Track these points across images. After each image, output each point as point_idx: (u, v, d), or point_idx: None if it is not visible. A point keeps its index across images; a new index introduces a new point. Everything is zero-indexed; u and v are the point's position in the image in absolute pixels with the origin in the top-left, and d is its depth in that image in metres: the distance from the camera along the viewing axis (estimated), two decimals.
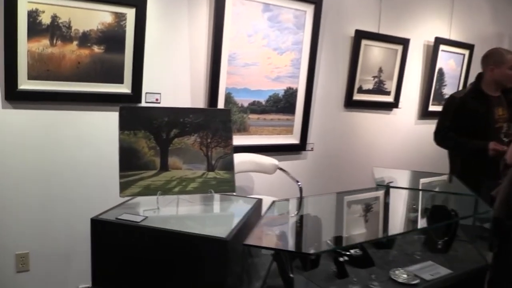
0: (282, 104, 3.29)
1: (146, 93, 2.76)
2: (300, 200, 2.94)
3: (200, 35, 2.89)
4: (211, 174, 1.94)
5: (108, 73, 2.60)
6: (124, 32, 2.60)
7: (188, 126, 1.94)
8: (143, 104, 2.75)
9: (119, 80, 2.65)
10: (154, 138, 1.89)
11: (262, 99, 3.19)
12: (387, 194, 2.46)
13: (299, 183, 2.96)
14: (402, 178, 3.01)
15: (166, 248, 1.63)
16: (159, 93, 2.81)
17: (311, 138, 3.56)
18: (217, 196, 2.01)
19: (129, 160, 1.84)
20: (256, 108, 3.18)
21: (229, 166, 1.98)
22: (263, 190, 3.31)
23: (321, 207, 2.27)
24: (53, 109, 2.52)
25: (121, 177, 1.82)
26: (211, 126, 1.98)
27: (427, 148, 4.43)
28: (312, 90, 3.43)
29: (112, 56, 2.59)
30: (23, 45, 2.36)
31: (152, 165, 1.87)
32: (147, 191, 1.84)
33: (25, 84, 2.41)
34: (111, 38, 2.57)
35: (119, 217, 1.71)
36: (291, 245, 1.70)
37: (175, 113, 1.94)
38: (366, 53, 3.73)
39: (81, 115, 2.60)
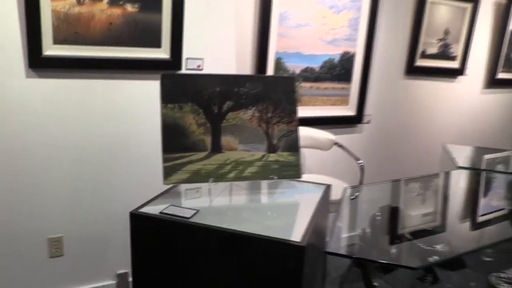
0: (338, 70, 2.86)
1: (187, 58, 2.39)
2: (361, 180, 2.56)
3: None
4: (272, 156, 1.57)
5: (144, 36, 2.23)
6: None
7: (245, 97, 1.56)
8: (183, 71, 2.38)
9: (156, 43, 2.28)
10: (204, 112, 1.52)
11: (316, 65, 2.77)
12: (474, 179, 2.04)
13: (360, 162, 2.56)
14: (479, 156, 2.57)
15: (224, 252, 1.29)
16: (202, 59, 2.42)
17: (368, 109, 3.13)
18: (279, 183, 1.64)
19: (174, 140, 1.49)
20: (309, 75, 2.76)
21: (294, 147, 1.60)
22: (316, 167, 2.93)
23: (399, 195, 1.88)
24: (83, 78, 2.18)
25: (165, 160, 1.47)
26: (272, 97, 1.59)
27: (493, 121, 3.94)
28: (371, 55, 2.97)
29: (147, 16, 2.21)
30: (47, 3, 2.01)
31: (202, 146, 1.51)
32: (197, 177, 1.49)
33: (50, 49, 2.07)
34: None
35: (164, 211, 1.37)
36: (387, 255, 1.33)
37: (229, 82, 1.56)
38: (431, 12, 3.21)
39: (115, 85, 2.25)
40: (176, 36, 2.29)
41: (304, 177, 2.61)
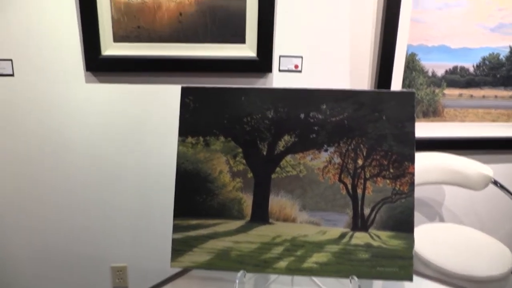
0: (505, 71, 1.89)
1: (280, 56, 1.75)
2: None
3: None
4: (360, 237, 0.86)
5: (222, 28, 1.67)
6: None
7: (318, 129, 0.88)
8: (274, 74, 1.76)
9: (239, 38, 1.69)
10: (244, 152, 0.89)
11: (470, 64, 1.86)
12: None
13: None
14: None
15: None
16: (301, 57, 1.77)
17: None
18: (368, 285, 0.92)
19: (192, 197, 0.89)
20: (458, 78, 1.87)
21: (404, 223, 0.86)
22: (456, 212, 2.03)
23: None
24: (149, 82, 1.71)
25: (175, 229, 0.89)
26: (369, 130, 0.87)
27: None
28: None
29: (227, 2, 1.64)
30: None
31: (237, 210, 0.88)
32: (223, 262, 0.86)
33: (110, 48, 1.66)
34: None
35: None
36: None
37: (291, 101, 0.89)
38: None
39: None
40: (265, 27, 1.66)
41: (435, 226, 1.78)
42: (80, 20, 1.60)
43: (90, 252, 1.88)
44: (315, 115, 0.87)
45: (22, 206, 1.80)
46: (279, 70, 1.77)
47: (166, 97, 1.73)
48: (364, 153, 0.86)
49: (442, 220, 2.01)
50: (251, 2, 1.64)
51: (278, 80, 1.76)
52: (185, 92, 0.90)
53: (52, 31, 1.61)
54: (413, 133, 0.86)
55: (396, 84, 1.78)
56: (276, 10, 1.67)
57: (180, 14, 1.64)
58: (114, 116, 1.73)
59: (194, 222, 0.87)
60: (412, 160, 0.85)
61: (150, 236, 1.89)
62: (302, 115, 0.87)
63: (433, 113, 1.89)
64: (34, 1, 1.58)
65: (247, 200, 0.87)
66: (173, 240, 0.88)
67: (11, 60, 1.65)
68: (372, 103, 0.87)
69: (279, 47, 1.73)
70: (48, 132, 1.72)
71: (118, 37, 1.64)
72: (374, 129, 0.86)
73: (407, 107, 0.86)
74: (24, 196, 1.79)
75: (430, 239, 1.62)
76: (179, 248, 0.87)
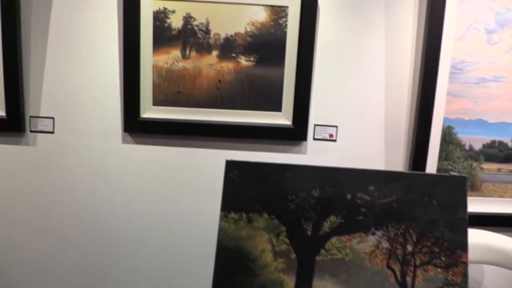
0: None
1: (315, 125, 1.77)
2: None
3: (403, 34, 1.74)
4: None
5: (260, 97, 1.71)
6: (284, 34, 1.67)
7: (365, 211, 0.86)
8: (309, 142, 1.76)
9: (275, 106, 1.72)
10: (288, 231, 0.87)
11: (508, 138, 1.83)
12: None
13: None
14: None
15: None
16: (335, 126, 1.78)
17: None
18: None
19: (230, 276, 0.86)
20: (496, 153, 1.83)
21: None
22: None
23: None
24: (186, 146, 1.74)
25: None
26: (419, 215, 0.84)
27: None
28: None
29: (265, 72, 1.69)
30: (148, 58, 1.66)
31: None
32: None
33: (149, 111, 1.71)
34: (264, 44, 1.67)
35: None
36: None
37: (338, 180, 0.88)
38: None
39: (221, 156, 1.76)
40: (302, 97, 1.69)
41: None
42: (122, 83, 1.66)
43: None
44: (362, 196, 0.85)
45: (40, 266, 1.78)
46: (314, 139, 1.77)
47: (201, 161, 1.74)
48: (414, 239, 0.82)
49: None
50: (289, 73, 1.68)
51: (312, 148, 1.76)
52: (229, 166, 0.90)
53: (94, 91, 1.68)
54: (466, 220, 0.82)
55: (433, 156, 1.75)
56: (313, 81, 1.71)
57: (219, 81, 1.68)
58: (148, 178, 1.74)
59: None
60: (465, 249, 0.81)
61: None
62: (349, 196, 0.85)
63: (471, 187, 1.83)
64: (78, 63, 1.66)
65: (289, 283, 0.83)
66: None
67: (53, 118, 1.71)
68: (422, 186, 0.84)
69: (314, 116, 1.75)
70: (83, 191, 1.74)
71: (158, 101, 1.69)
72: (424, 214, 0.83)
73: (459, 192, 0.84)
74: (51, 257, 1.78)
75: None
76: None
